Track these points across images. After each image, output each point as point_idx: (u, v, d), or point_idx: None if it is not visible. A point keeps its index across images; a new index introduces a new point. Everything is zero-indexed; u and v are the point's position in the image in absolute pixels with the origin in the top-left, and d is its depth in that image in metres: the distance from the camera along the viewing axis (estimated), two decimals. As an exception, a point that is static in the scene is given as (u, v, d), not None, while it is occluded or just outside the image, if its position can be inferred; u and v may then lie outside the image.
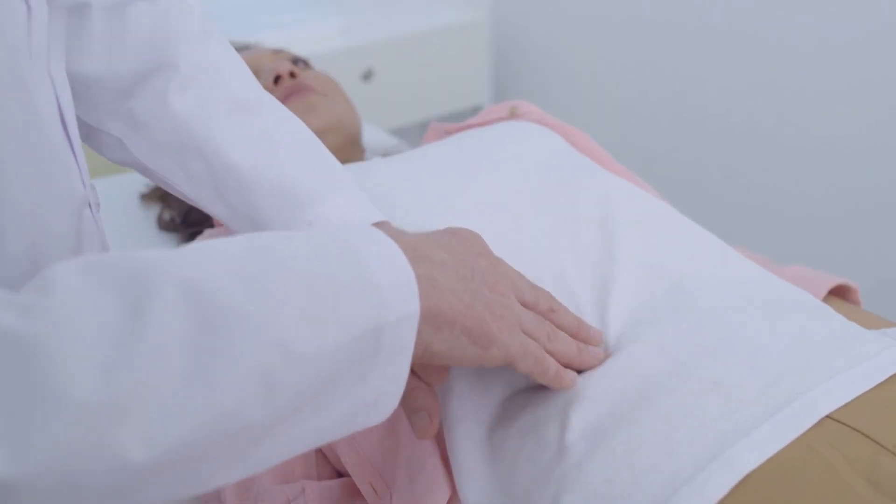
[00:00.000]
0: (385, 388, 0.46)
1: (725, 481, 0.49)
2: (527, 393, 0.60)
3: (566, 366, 0.57)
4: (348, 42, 1.82)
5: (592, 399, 0.56)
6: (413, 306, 0.46)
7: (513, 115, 0.97)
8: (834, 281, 0.82)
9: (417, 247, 0.50)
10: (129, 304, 0.38)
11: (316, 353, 0.41)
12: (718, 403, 0.54)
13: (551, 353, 0.56)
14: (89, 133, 0.70)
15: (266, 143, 0.67)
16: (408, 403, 0.55)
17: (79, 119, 0.69)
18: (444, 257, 0.51)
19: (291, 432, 0.43)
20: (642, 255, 0.69)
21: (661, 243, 0.70)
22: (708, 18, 1.64)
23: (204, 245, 0.43)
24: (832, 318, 0.63)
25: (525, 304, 0.56)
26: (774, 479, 0.50)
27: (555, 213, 0.72)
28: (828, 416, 0.53)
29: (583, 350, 0.58)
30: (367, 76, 1.81)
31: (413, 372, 0.54)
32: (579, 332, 0.59)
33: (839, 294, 0.83)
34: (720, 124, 1.69)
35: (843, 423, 0.53)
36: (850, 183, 1.53)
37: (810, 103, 1.54)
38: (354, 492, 0.67)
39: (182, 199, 0.70)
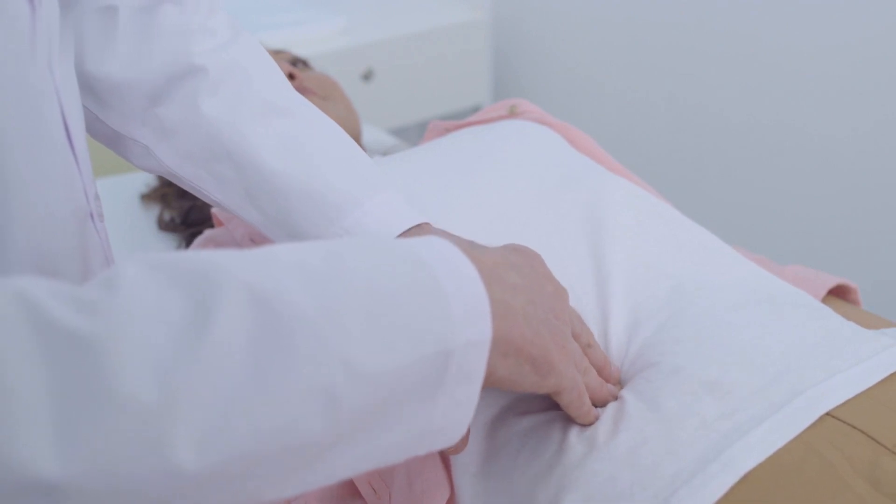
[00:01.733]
0: (453, 414, 0.44)
1: (724, 482, 0.49)
2: (529, 397, 0.60)
3: None
4: (348, 42, 1.82)
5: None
6: (485, 332, 0.44)
7: (512, 113, 0.97)
8: (833, 281, 0.82)
9: (493, 267, 0.48)
10: (194, 305, 0.37)
11: (381, 372, 0.40)
12: (718, 403, 0.54)
13: (584, 385, 0.55)
14: (116, 140, 0.69)
15: (299, 147, 0.65)
16: None
17: (105, 125, 0.68)
18: (517, 280, 0.49)
19: (351, 452, 0.41)
20: (642, 254, 0.69)
21: (661, 243, 0.71)
22: (708, 18, 1.64)
23: (274, 249, 0.42)
24: (831, 318, 0.63)
25: (574, 335, 0.55)
26: (774, 479, 0.50)
27: (555, 213, 0.72)
28: (828, 415, 0.53)
29: (603, 387, 0.57)
30: (367, 76, 1.81)
31: None
32: (603, 370, 0.59)
33: (838, 294, 0.83)
34: (720, 124, 1.69)
35: (844, 422, 0.53)
36: (850, 183, 1.53)
37: (811, 103, 1.54)
38: (354, 492, 0.67)
39: (213, 205, 0.69)
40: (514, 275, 0.49)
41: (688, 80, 1.72)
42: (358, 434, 0.41)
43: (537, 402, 0.60)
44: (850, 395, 0.55)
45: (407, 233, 0.62)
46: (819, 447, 0.52)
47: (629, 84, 1.84)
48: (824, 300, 0.80)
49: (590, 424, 0.56)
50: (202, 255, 0.39)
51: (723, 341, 0.59)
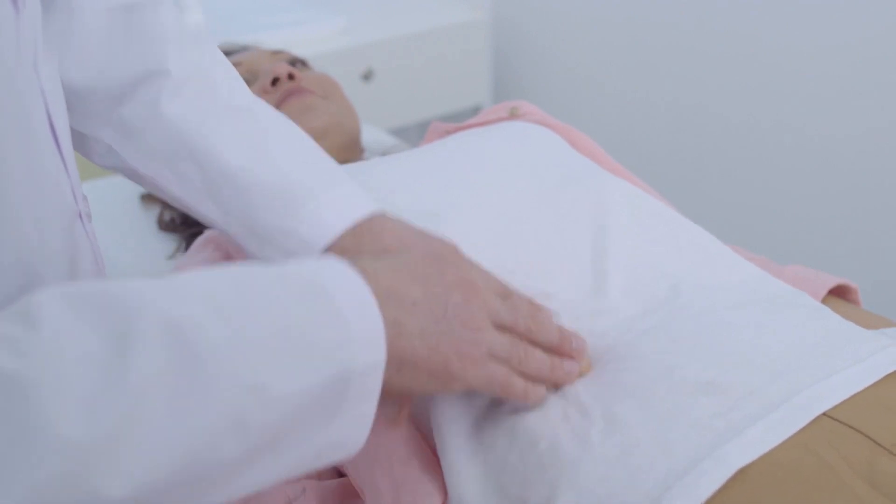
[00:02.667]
0: (351, 430, 0.48)
1: (716, 478, 0.49)
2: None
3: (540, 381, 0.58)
4: (348, 42, 1.82)
5: (587, 401, 0.57)
6: (380, 356, 0.47)
7: (513, 115, 0.97)
8: (833, 281, 0.82)
9: (391, 286, 0.51)
10: (113, 340, 0.39)
11: (287, 396, 0.43)
12: (714, 403, 0.54)
13: (523, 374, 0.56)
14: (78, 140, 0.70)
15: (259, 144, 0.66)
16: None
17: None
18: (418, 296, 0.52)
19: (261, 470, 0.44)
20: (641, 255, 0.69)
21: (661, 243, 0.71)
22: (708, 19, 1.64)
23: (187, 278, 0.45)
24: (829, 318, 0.63)
25: (503, 327, 0.56)
26: (771, 478, 0.50)
27: (555, 213, 0.72)
28: (825, 415, 0.53)
29: (556, 368, 0.58)
30: (367, 76, 1.81)
31: None
32: (561, 347, 0.59)
33: (839, 294, 0.84)
34: (720, 124, 1.69)
35: (841, 422, 0.53)
36: (850, 183, 1.53)
37: (810, 103, 1.54)
38: (354, 492, 0.67)
39: (170, 202, 0.70)
40: (416, 290, 0.52)
41: (688, 81, 1.72)
42: (267, 453, 0.44)
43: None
44: (848, 395, 0.55)
45: (362, 224, 0.63)
46: (816, 447, 0.52)
47: (629, 84, 1.84)
48: (824, 300, 0.80)
49: (536, 403, 0.57)
50: (120, 287, 0.42)
51: (721, 340, 0.59)
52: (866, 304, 0.87)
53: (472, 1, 1.96)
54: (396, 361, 0.50)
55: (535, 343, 0.57)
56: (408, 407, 0.57)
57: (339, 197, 0.65)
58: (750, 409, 0.53)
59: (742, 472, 0.50)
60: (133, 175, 0.70)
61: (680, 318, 0.63)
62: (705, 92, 1.69)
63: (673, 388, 0.56)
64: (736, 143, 1.68)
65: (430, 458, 0.62)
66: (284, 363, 0.43)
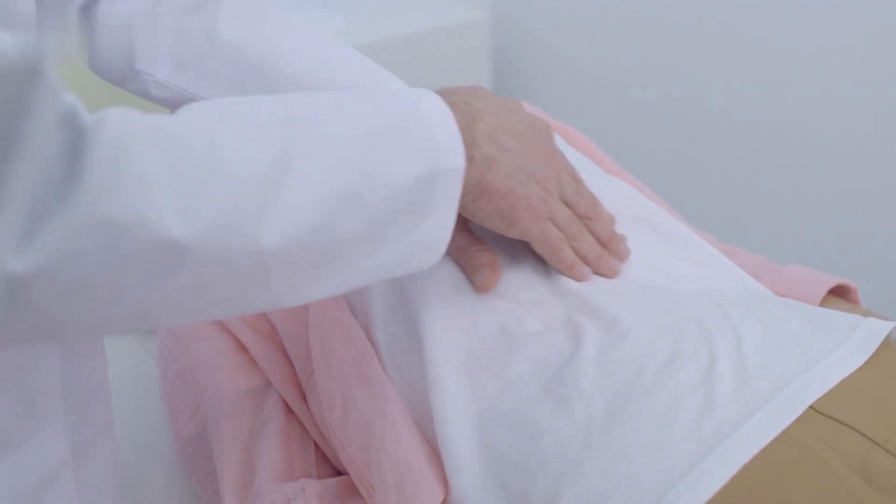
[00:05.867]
0: (436, 232, 0.55)
1: (719, 477, 0.50)
2: (518, 389, 0.60)
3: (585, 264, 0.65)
4: (348, 42, 1.82)
5: (586, 395, 0.57)
6: (460, 163, 0.54)
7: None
8: (833, 281, 0.82)
9: (495, 128, 0.59)
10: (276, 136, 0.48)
11: (390, 184, 0.51)
12: (709, 396, 0.54)
13: (574, 250, 0.64)
14: (130, 77, 0.72)
15: (320, 54, 0.71)
16: (471, 262, 0.63)
17: (121, 66, 0.72)
18: (512, 145, 0.60)
19: (368, 257, 0.52)
20: (635, 255, 0.69)
21: (653, 244, 0.71)
22: (710, 18, 1.64)
23: (305, 94, 0.54)
24: (807, 311, 0.64)
25: (566, 203, 0.64)
26: (769, 475, 0.50)
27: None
28: (816, 411, 0.54)
29: (602, 257, 0.65)
30: (367, 76, 1.81)
31: (476, 236, 0.65)
32: (610, 243, 0.66)
33: (839, 294, 0.84)
34: (721, 124, 1.69)
35: (833, 418, 0.54)
36: (851, 182, 1.53)
37: (811, 103, 1.54)
38: (353, 490, 0.67)
39: None
40: (511, 140, 0.60)
41: (689, 80, 1.72)
42: (371, 243, 0.51)
43: (525, 388, 0.60)
44: (833, 384, 0.55)
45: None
46: (812, 444, 0.52)
47: (630, 84, 1.84)
48: (824, 300, 0.80)
49: (579, 279, 0.64)
50: (262, 100, 0.51)
51: (711, 336, 0.59)
52: (866, 303, 0.87)
53: (472, 1, 1.96)
54: (479, 190, 0.58)
55: (590, 230, 0.65)
56: (499, 271, 0.63)
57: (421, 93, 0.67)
58: (743, 402, 0.54)
59: (741, 471, 0.50)
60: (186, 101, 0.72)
61: (672, 315, 0.63)
62: (706, 92, 1.69)
63: (668, 380, 0.56)
64: (736, 143, 1.68)
65: (433, 452, 0.62)
66: (388, 156, 0.51)
